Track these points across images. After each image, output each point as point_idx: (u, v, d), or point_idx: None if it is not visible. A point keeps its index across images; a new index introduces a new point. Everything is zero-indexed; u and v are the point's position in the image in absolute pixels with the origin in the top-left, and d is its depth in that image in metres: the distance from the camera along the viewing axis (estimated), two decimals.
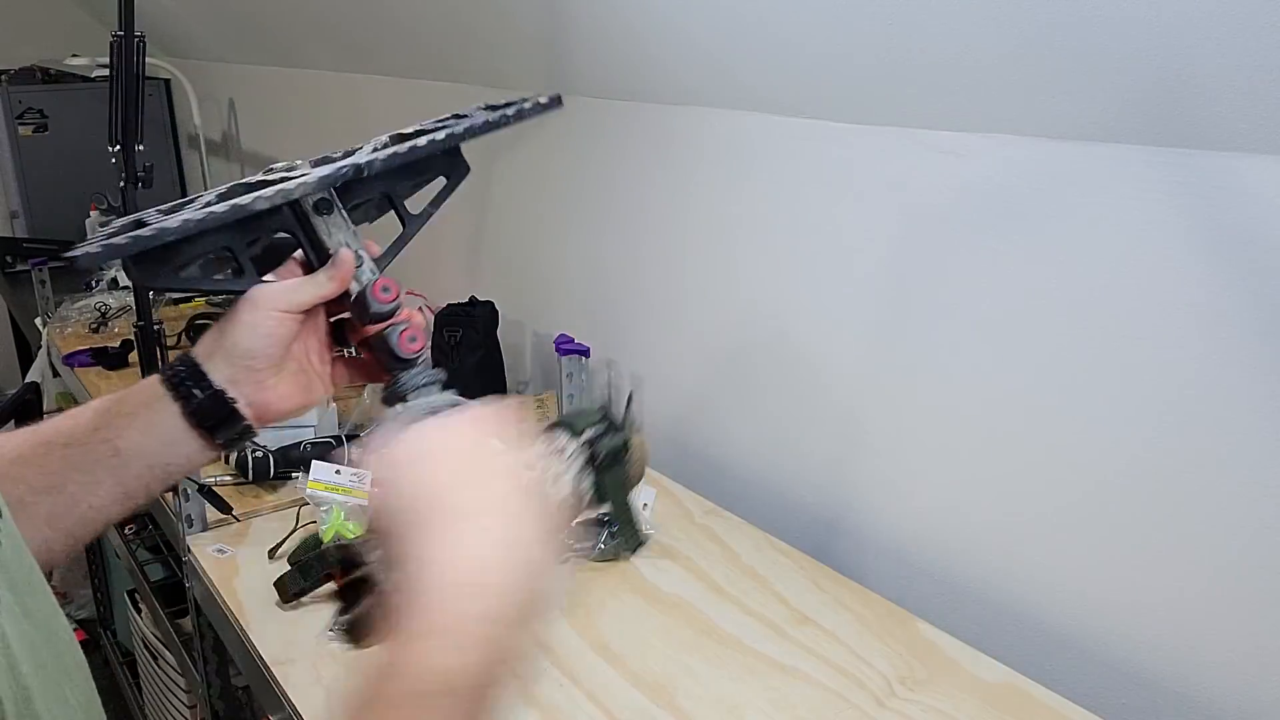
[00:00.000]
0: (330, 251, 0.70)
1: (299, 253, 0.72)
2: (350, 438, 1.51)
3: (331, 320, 0.74)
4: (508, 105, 0.79)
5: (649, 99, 1.50)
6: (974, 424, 1.16)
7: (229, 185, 0.69)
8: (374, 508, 0.52)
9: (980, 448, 1.16)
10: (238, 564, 1.26)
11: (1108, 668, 1.07)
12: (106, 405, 0.66)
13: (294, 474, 1.46)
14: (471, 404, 0.62)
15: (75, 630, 2.77)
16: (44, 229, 3.01)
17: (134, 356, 1.88)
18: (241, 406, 0.67)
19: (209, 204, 0.66)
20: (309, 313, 0.70)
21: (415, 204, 0.80)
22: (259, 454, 1.45)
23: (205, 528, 1.34)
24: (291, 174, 0.70)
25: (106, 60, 1.47)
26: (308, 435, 1.52)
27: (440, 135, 0.73)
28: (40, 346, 2.40)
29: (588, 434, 0.64)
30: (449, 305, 1.75)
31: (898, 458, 1.26)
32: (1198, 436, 0.95)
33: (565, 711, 0.99)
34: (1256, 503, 0.92)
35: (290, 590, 1.15)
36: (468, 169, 0.80)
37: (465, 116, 0.77)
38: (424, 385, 0.70)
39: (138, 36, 1.45)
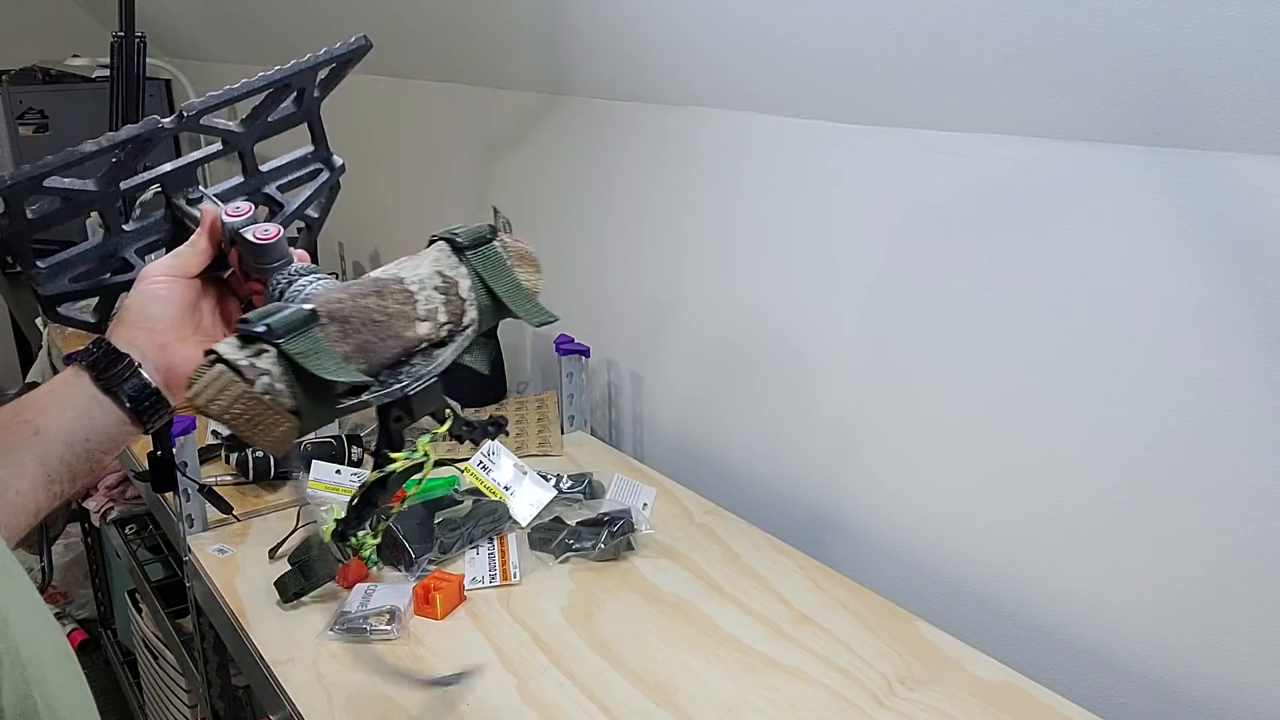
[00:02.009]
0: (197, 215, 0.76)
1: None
2: (350, 438, 1.51)
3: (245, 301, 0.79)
4: (311, 55, 0.85)
5: (648, 99, 1.50)
6: (974, 424, 1.16)
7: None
8: None
9: (980, 448, 1.16)
10: (238, 564, 1.26)
11: (1108, 668, 1.07)
12: (31, 395, 0.70)
13: (294, 474, 1.46)
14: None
15: (75, 630, 2.77)
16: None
17: None
18: (148, 370, 0.71)
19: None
20: (207, 280, 0.76)
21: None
22: (259, 454, 1.45)
23: (205, 527, 1.34)
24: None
25: (107, 61, 1.47)
26: (307, 435, 1.52)
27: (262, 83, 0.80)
28: (41, 346, 2.40)
29: (445, 231, 0.68)
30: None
31: (898, 457, 1.26)
32: (1198, 436, 0.95)
33: (565, 711, 0.99)
34: (1257, 502, 0.92)
35: (290, 590, 1.16)
36: (338, 167, 0.95)
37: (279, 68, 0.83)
38: (297, 275, 0.71)
39: (138, 37, 1.46)
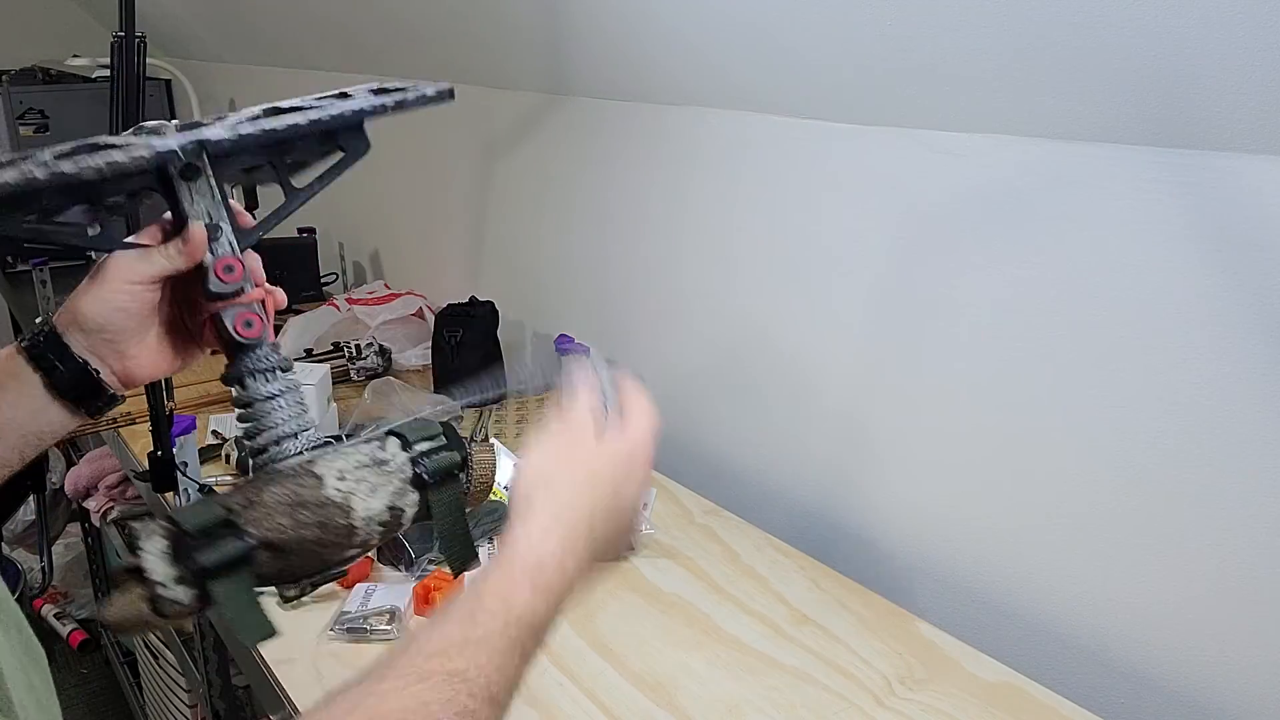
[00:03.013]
0: (188, 220, 0.68)
1: (167, 214, 0.70)
2: (350, 438, 1.51)
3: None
4: (394, 91, 0.76)
5: (648, 99, 1.50)
6: (974, 424, 1.16)
7: (78, 143, 0.65)
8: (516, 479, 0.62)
9: (980, 448, 1.16)
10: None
11: (1108, 668, 1.07)
12: None
13: None
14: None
15: (75, 630, 2.77)
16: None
17: None
18: (105, 376, 0.68)
19: (49, 160, 0.62)
20: (171, 279, 0.69)
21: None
22: None
23: None
24: (135, 141, 0.66)
25: (107, 61, 1.47)
26: None
27: (303, 120, 0.71)
28: None
29: (420, 448, 0.63)
30: (449, 305, 1.75)
31: (898, 458, 1.26)
32: (1198, 436, 0.95)
33: (565, 711, 0.99)
34: (1257, 502, 0.92)
35: (290, 590, 1.15)
36: (368, 145, 0.76)
37: (349, 98, 0.74)
38: (260, 371, 0.68)
39: (138, 37, 1.45)
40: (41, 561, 2.68)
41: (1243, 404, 0.92)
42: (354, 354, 1.85)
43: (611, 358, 1.72)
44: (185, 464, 1.35)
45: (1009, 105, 1.02)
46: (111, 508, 2.00)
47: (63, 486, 2.24)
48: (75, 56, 3.06)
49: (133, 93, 1.52)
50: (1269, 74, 0.79)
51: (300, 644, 1.10)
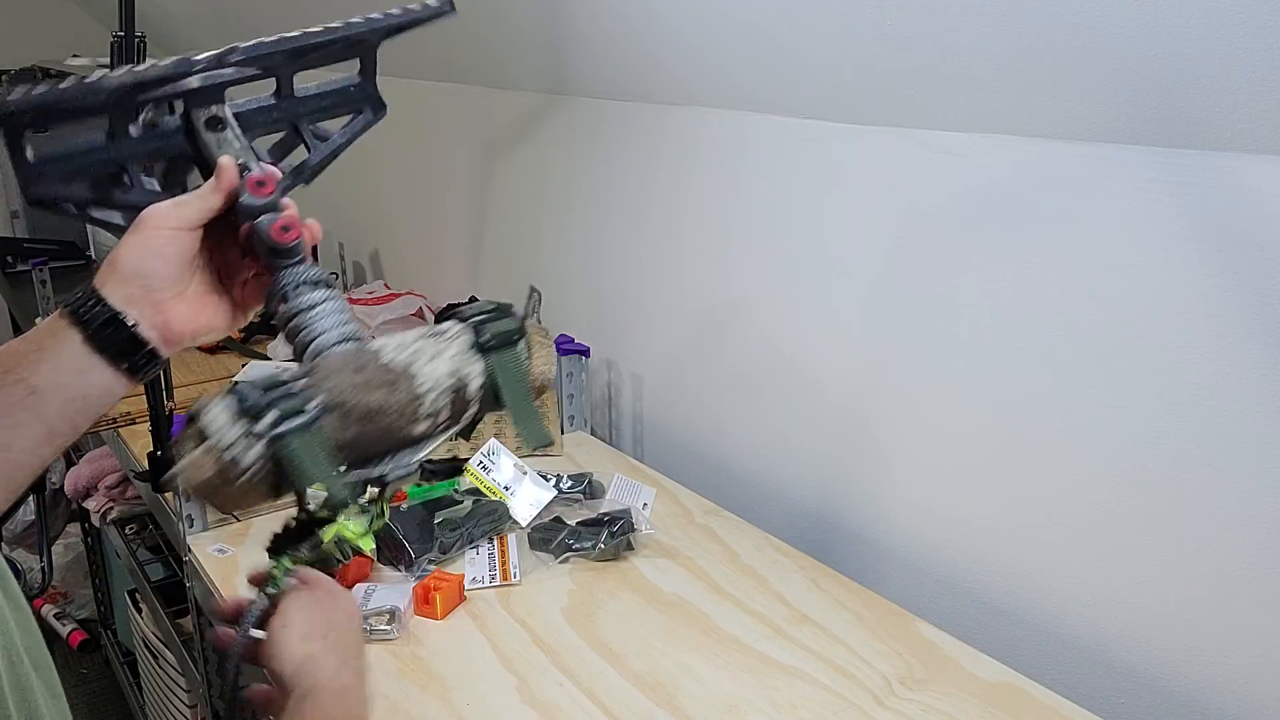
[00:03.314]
0: (217, 160, 0.69)
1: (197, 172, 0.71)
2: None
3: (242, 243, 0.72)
4: (397, 10, 0.78)
5: (648, 99, 1.50)
6: (973, 423, 1.16)
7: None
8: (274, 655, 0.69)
9: (979, 447, 1.16)
10: (238, 564, 1.26)
11: (1108, 668, 1.07)
12: (15, 347, 0.66)
13: None
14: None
15: (75, 630, 2.77)
16: (44, 229, 3.01)
17: None
18: (142, 329, 0.66)
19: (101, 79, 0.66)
20: (211, 231, 0.70)
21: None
22: None
23: (206, 527, 1.34)
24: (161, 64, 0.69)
25: (107, 61, 1.47)
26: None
27: (318, 28, 0.74)
28: None
29: (476, 318, 0.63)
30: (449, 305, 1.75)
31: (898, 458, 1.26)
32: (1198, 436, 0.95)
33: (565, 711, 0.99)
34: (1257, 502, 0.92)
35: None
36: (384, 105, 0.80)
37: (354, 20, 0.76)
38: (304, 283, 0.67)
39: (138, 37, 1.45)
40: (41, 561, 2.68)
41: (1243, 404, 0.92)
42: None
43: (611, 358, 1.72)
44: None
45: (1009, 105, 1.02)
46: (111, 508, 2.00)
47: (63, 486, 2.24)
48: (75, 56, 3.06)
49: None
50: (1269, 74, 0.79)
51: None
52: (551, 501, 1.33)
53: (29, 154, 0.68)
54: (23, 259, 2.80)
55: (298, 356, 0.67)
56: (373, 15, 0.75)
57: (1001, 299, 1.10)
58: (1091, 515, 1.06)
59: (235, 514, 0.60)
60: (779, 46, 1.20)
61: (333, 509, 0.60)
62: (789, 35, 1.16)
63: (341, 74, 0.80)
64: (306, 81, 0.77)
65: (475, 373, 0.62)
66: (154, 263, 0.67)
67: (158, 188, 0.72)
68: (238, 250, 0.71)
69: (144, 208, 0.68)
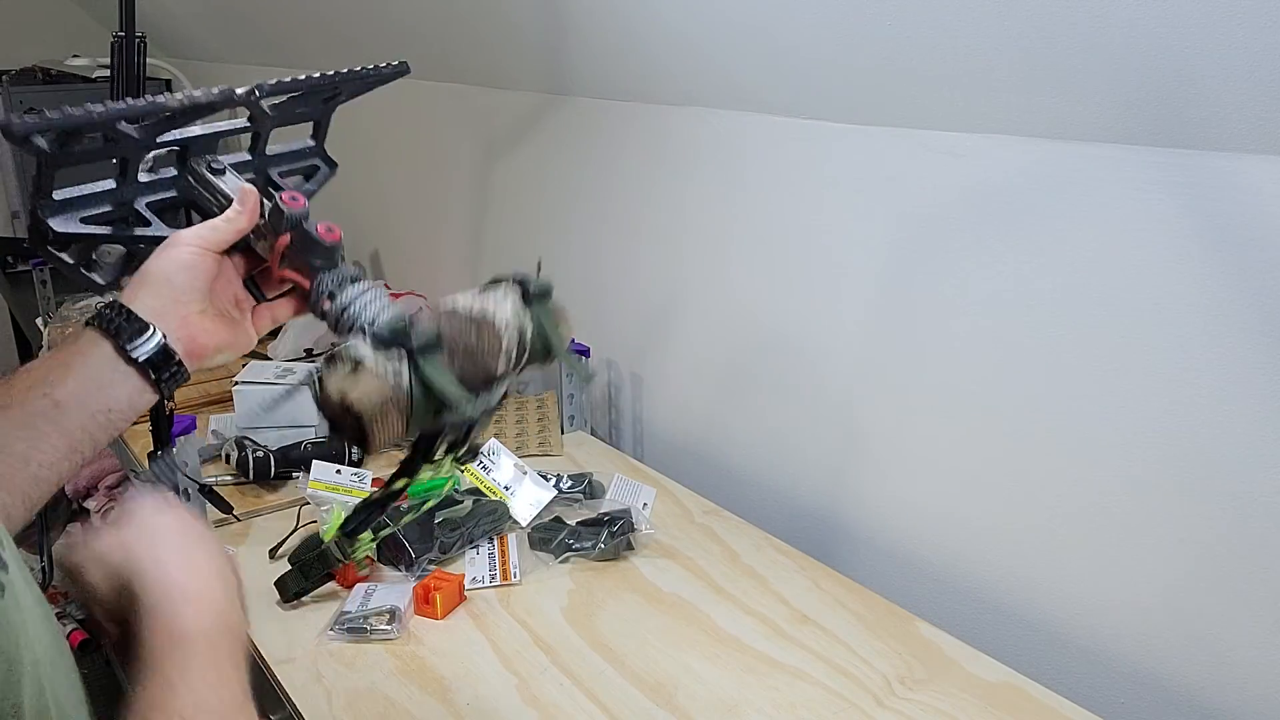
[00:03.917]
0: (232, 197, 0.76)
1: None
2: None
3: (245, 278, 0.78)
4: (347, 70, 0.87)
5: (648, 99, 1.50)
6: (973, 424, 1.16)
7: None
8: (115, 564, 0.63)
9: (980, 448, 1.16)
10: (238, 564, 1.26)
11: (1108, 668, 1.07)
12: (40, 363, 0.67)
13: (294, 474, 1.46)
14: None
15: (75, 630, 2.78)
16: None
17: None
18: (170, 340, 0.69)
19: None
20: (225, 258, 0.74)
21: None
22: (259, 454, 1.45)
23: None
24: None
25: (107, 61, 1.47)
26: (308, 435, 1.52)
27: (299, 78, 0.82)
28: (41, 347, 2.40)
29: (519, 279, 0.74)
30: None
31: (898, 458, 1.26)
32: (1198, 436, 0.95)
33: (565, 711, 0.99)
34: (1257, 502, 0.92)
35: (290, 590, 1.16)
36: (335, 164, 0.94)
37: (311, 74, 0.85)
38: (346, 279, 0.74)
39: (138, 37, 1.46)
40: (41, 561, 2.68)
41: (1243, 404, 0.92)
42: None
43: (611, 358, 1.72)
44: (185, 464, 1.35)
45: (1009, 105, 1.02)
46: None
47: (62, 488, 2.24)
48: (75, 56, 3.06)
49: (133, 93, 1.52)
50: (1269, 74, 0.79)
51: (300, 644, 1.10)
52: (551, 501, 1.33)
53: (54, 194, 0.74)
54: (23, 259, 2.80)
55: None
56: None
57: (1001, 299, 1.10)
58: (1091, 515, 1.06)
59: (378, 448, 0.69)
60: (779, 46, 1.20)
61: (465, 424, 0.72)
62: (789, 35, 1.16)
63: (295, 140, 0.91)
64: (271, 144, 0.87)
65: (528, 320, 0.73)
66: (183, 275, 0.71)
67: (168, 229, 0.78)
68: (241, 282, 0.78)
69: (163, 239, 0.73)
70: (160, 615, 0.58)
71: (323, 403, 0.67)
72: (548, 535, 1.27)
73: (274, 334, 2.04)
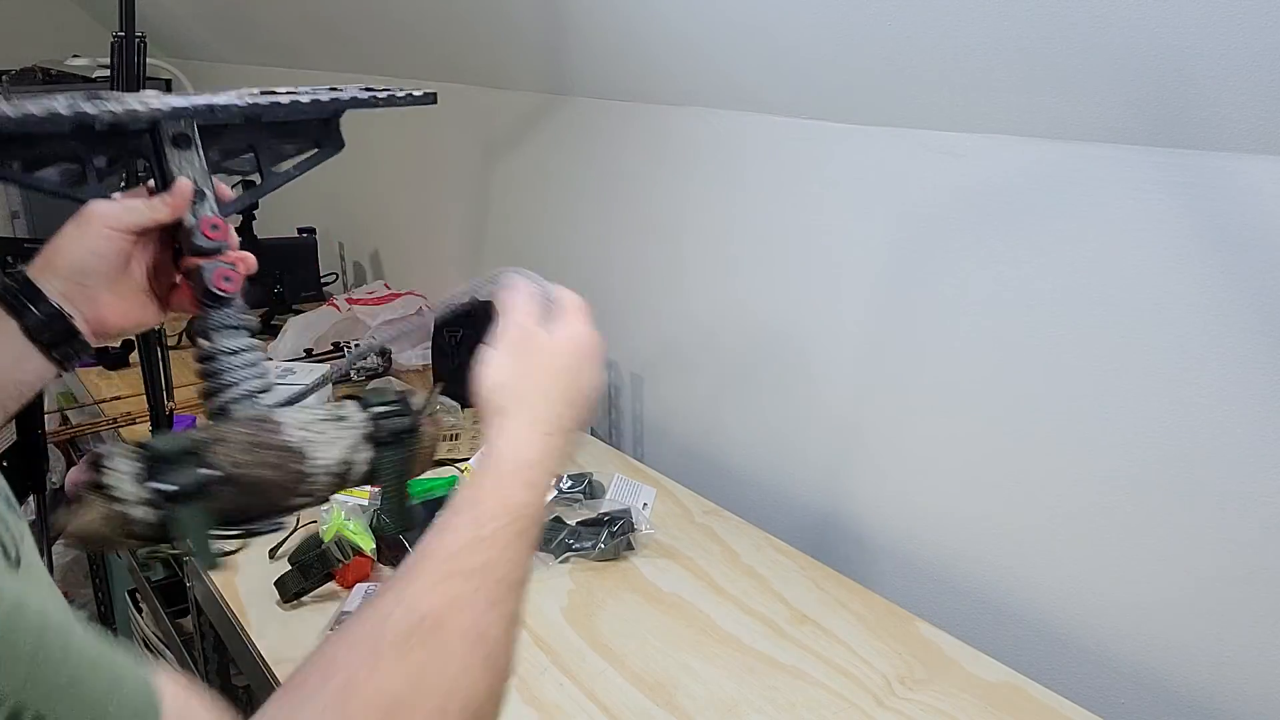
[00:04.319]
0: (175, 177, 0.73)
1: (151, 181, 0.75)
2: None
3: (176, 248, 0.76)
4: (382, 90, 0.83)
5: (648, 99, 1.50)
6: (973, 423, 1.16)
7: (96, 93, 0.72)
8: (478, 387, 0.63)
9: (980, 448, 1.16)
10: (238, 564, 1.26)
11: (1108, 668, 1.07)
12: None
13: None
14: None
15: None
16: (44, 229, 3.01)
17: (135, 356, 1.89)
18: (78, 322, 0.70)
19: (62, 106, 0.69)
20: (147, 235, 0.73)
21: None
22: None
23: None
24: (150, 101, 0.73)
25: (107, 61, 1.47)
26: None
27: (305, 100, 0.77)
28: None
29: (377, 409, 0.67)
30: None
31: (897, 458, 1.26)
32: (1197, 436, 0.95)
33: (565, 711, 0.99)
34: (1257, 502, 0.92)
35: (291, 590, 1.16)
36: (342, 144, 0.83)
37: (339, 91, 0.81)
38: (229, 327, 0.72)
39: (138, 37, 1.46)
40: (44, 558, 2.68)
41: (1243, 403, 0.92)
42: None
43: (611, 358, 1.72)
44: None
45: (1009, 105, 1.02)
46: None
47: (63, 486, 2.24)
48: (75, 56, 3.06)
49: (133, 93, 1.51)
50: (1269, 74, 0.79)
51: (300, 644, 1.10)
52: (551, 501, 1.33)
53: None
54: (23, 259, 2.79)
55: (205, 398, 0.72)
56: (349, 92, 0.82)
57: (1001, 299, 1.10)
58: (1092, 515, 1.06)
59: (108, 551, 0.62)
60: (779, 46, 1.20)
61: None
62: (789, 35, 1.16)
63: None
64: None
65: (362, 460, 0.66)
66: (92, 260, 0.71)
67: (107, 192, 0.74)
68: (169, 254, 0.75)
69: (90, 199, 0.71)
70: (493, 478, 0.59)
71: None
72: (548, 535, 1.27)
73: (274, 333, 2.04)
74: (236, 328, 0.72)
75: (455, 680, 0.48)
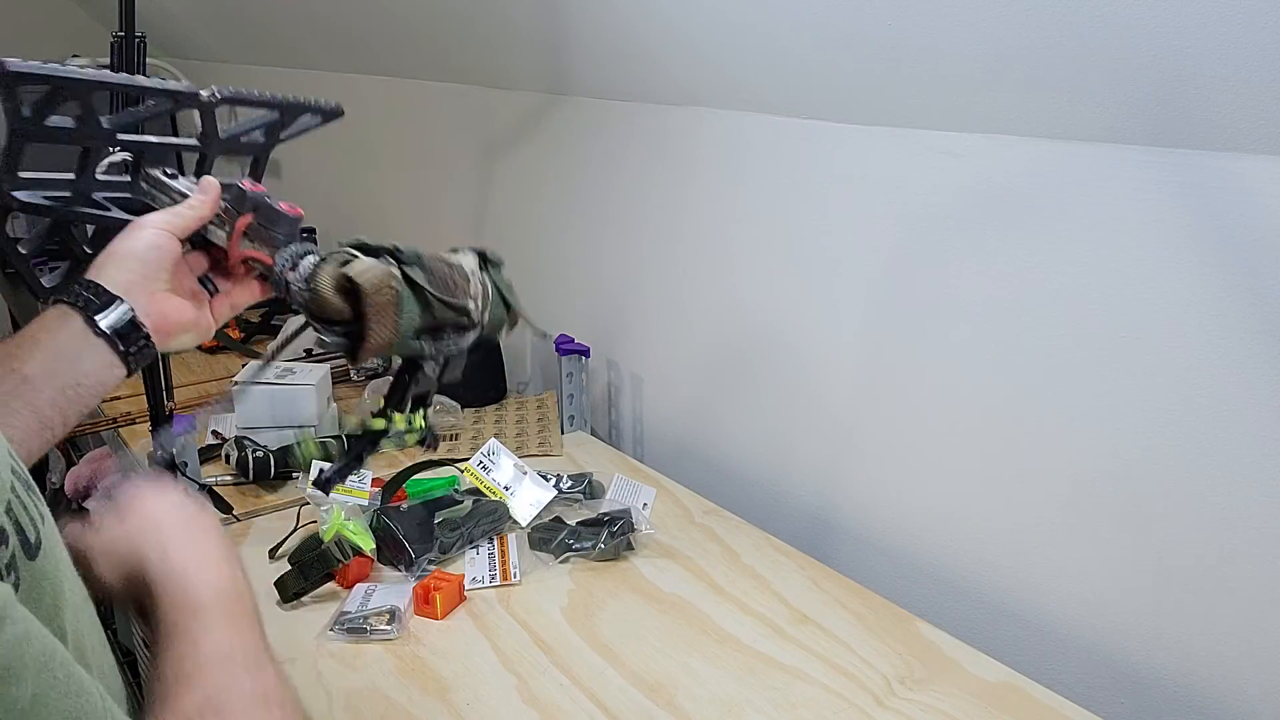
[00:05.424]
0: (189, 194, 0.80)
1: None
2: (350, 437, 1.51)
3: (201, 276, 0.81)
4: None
5: (648, 99, 1.50)
6: (974, 424, 1.16)
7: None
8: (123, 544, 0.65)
9: (979, 447, 1.16)
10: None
11: (1108, 668, 1.07)
12: (7, 341, 0.67)
13: (294, 474, 1.46)
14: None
15: None
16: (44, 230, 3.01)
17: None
18: (139, 313, 0.70)
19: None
20: (182, 250, 0.76)
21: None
22: (259, 454, 1.45)
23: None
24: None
25: (107, 61, 1.47)
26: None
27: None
28: None
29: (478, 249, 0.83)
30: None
31: (898, 458, 1.26)
32: (1196, 436, 0.95)
33: (565, 711, 0.99)
34: (1257, 502, 0.92)
35: (290, 590, 1.16)
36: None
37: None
38: (308, 254, 0.77)
39: (138, 37, 1.46)
40: None
41: (1242, 404, 0.92)
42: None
43: (611, 358, 1.72)
44: (185, 464, 1.35)
45: (1009, 105, 1.02)
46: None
47: (62, 486, 2.24)
48: (75, 56, 3.06)
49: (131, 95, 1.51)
50: (1269, 74, 0.79)
51: (300, 644, 1.10)
52: (551, 501, 1.33)
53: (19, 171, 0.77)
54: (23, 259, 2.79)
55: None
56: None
57: (1001, 299, 1.10)
58: (1092, 514, 1.06)
59: (370, 349, 0.75)
60: (779, 46, 1.20)
61: (441, 361, 0.79)
62: (789, 35, 1.16)
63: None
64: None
65: (486, 279, 0.81)
66: (153, 254, 0.72)
67: (129, 215, 0.80)
68: (198, 278, 0.80)
69: (127, 221, 0.76)
70: (174, 593, 0.60)
71: (317, 291, 0.72)
72: (548, 535, 1.27)
73: (273, 333, 2.04)
74: (311, 252, 0.77)
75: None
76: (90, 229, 0.84)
